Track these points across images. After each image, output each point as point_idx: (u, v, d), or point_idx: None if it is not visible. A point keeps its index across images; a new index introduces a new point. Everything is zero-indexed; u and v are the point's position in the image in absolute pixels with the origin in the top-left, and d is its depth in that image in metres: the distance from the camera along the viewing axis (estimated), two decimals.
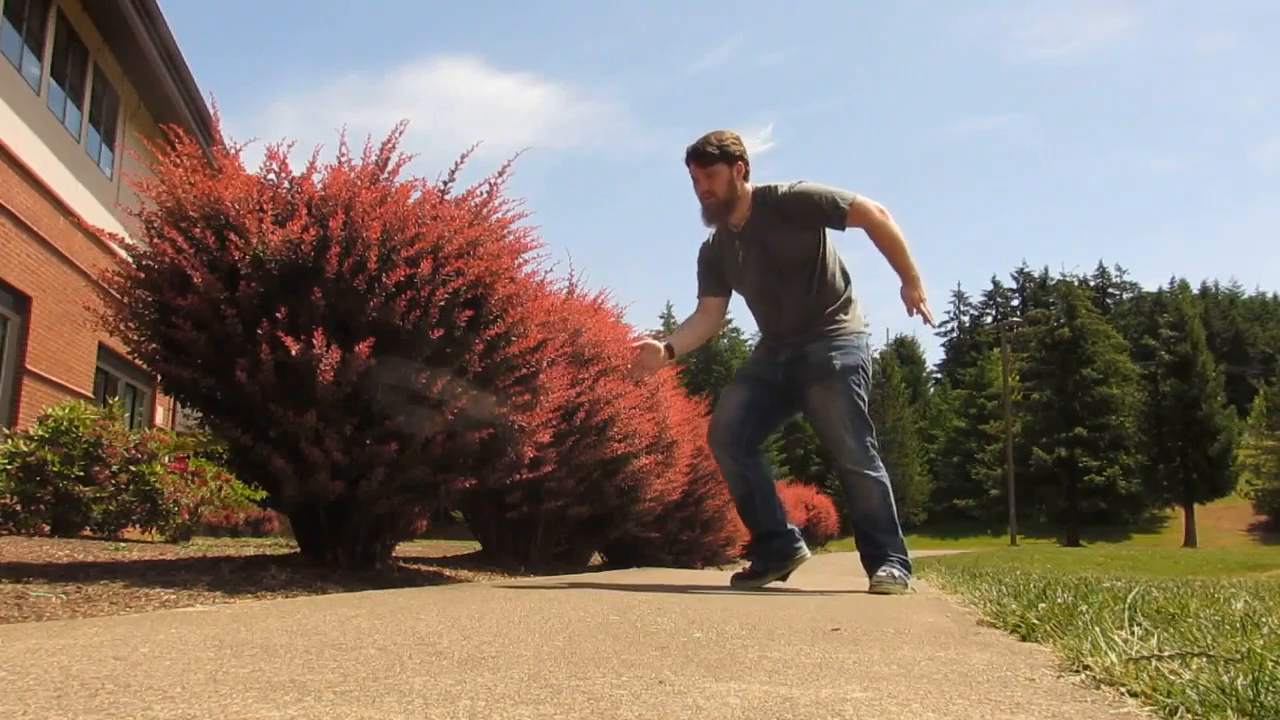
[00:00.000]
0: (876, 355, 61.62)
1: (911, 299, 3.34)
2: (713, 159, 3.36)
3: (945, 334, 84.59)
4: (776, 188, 3.42)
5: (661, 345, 3.57)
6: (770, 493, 3.58)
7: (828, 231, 3.44)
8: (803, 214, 3.37)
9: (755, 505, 3.55)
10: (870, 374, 3.50)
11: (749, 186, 3.45)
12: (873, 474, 3.41)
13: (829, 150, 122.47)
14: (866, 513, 3.44)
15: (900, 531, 3.47)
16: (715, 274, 3.66)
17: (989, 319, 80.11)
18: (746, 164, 3.43)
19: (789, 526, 3.58)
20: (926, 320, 3.43)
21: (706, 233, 3.65)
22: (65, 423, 6.29)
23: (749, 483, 3.54)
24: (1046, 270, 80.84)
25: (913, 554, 3.64)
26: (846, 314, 3.49)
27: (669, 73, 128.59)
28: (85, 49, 10.69)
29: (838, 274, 3.50)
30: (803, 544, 3.58)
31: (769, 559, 3.54)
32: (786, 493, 21.83)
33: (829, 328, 3.44)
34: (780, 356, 3.53)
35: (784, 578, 3.58)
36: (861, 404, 3.43)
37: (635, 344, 3.61)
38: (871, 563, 3.43)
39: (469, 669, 1.31)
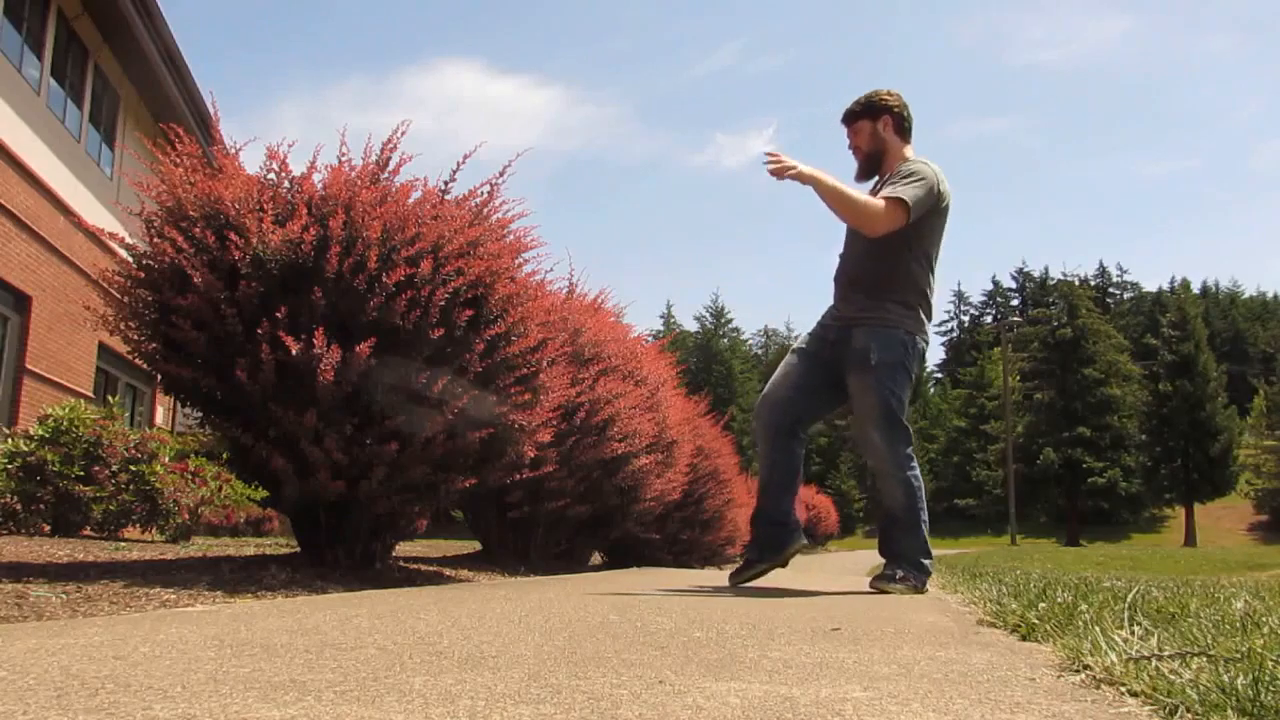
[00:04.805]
0: None
1: (783, 164, 3.08)
2: (854, 116, 3.43)
3: (945, 334, 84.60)
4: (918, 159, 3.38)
5: None
6: (790, 482, 3.56)
7: (928, 229, 3.34)
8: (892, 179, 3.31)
9: (770, 491, 3.52)
10: (911, 374, 3.41)
11: (907, 149, 3.41)
12: (898, 473, 3.38)
13: (831, 151, 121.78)
14: (889, 510, 3.46)
15: (923, 531, 3.42)
16: None
17: (989, 319, 79.99)
18: (895, 117, 3.42)
19: (791, 518, 3.55)
20: (776, 169, 3.09)
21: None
22: (65, 422, 6.28)
23: (776, 467, 3.52)
24: (1046, 270, 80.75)
25: None
26: (901, 307, 3.37)
27: (671, 75, 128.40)
28: (85, 49, 10.68)
29: (913, 267, 3.38)
30: (799, 532, 3.55)
31: (763, 548, 3.51)
32: None
33: (877, 314, 3.35)
34: (830, 335, 3.47)
35: (784, 564, 3.55)
36: (895, 403, 3.34)
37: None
38: (887, 559, 3.46)
39: (469, 669, 1.31)
